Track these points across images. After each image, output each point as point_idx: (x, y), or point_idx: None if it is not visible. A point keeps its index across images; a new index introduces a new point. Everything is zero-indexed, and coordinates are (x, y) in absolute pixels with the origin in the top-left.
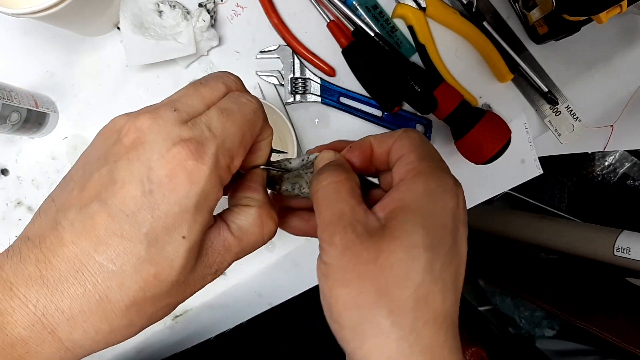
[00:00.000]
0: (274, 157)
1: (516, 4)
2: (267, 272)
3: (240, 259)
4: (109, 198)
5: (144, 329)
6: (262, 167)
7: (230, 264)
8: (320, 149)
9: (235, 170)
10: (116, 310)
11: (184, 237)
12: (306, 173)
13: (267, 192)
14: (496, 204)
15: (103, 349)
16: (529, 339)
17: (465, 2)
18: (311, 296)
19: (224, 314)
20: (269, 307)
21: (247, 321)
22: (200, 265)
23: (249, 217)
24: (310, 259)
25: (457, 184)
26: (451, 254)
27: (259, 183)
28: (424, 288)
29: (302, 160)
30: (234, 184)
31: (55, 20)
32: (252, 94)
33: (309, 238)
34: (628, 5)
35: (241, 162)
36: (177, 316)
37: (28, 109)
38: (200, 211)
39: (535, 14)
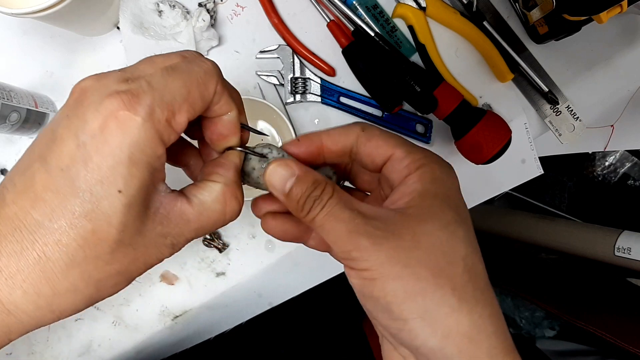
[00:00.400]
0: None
1: (516, 4)
2: (267, 272)
3: (199, 236)
4: (48, 155)
5: (93, 300)
6: (238, 149)
7: (188, 240)
8: (295, 145)
9: (180, 128)
10: (56, 270)
11: (120, 192)
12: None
13: (238, 173)
14: (496, 204)
15: (51, 319)
16: (529, 340)
17: (465, 2)
18: (311, 296)
19: (223, 314)
20: (269, 307)
21: (247, 321)
22: (151, 231)
23: (212, 192)
24: (310, 259)
25: (448, 163)
26: (472, 226)
27: (231, 162)
28: (470, 259)
29: (280, 154)
30: (206, 164)
31: (55, 20)
32: (252, 92)
33: None
34: (628, 5)
35: (186, 119)
36: (176, 316)
37: (27, 109)
38: (137, 165)
39: (535, 14)
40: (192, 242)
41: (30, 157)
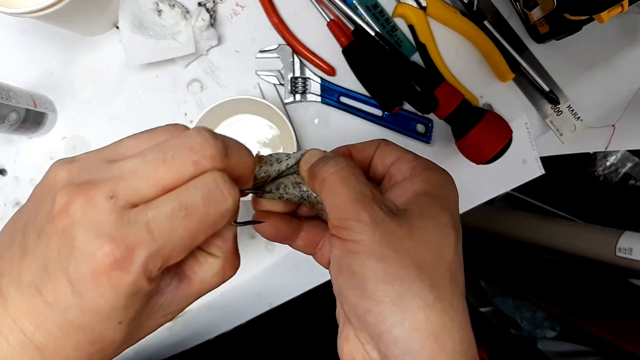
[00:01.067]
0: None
1: (517, 3)
2: (267, 272)
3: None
4: (42, 287)
5: None
6: (247, 191)
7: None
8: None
9: (174, 262)
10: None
11: (120, 323)
12: (291, 174)
13: (236, 240)
14: (497, 204)
15: None
16: (530, 340)
17: (466, 2)
18: (311, 297)
19: (223, 315)
20: (268, 308)
21: (247, 322)
22: (153, 320)
23: (213, 268)
24: (311, 259)
25: (451, 176)
26: (461, 237)
27: (229, 232)
28: (454, 266)
29: (287, 160)
30: None
31: (54, 19)
32: (252, 92)
33: None
34: (629, 5)
35: (182, 257)
36: (176, 317)
37: (26, 109)
38: (133, 304)
39: (536, 13)
40: None
41: (21, 269)
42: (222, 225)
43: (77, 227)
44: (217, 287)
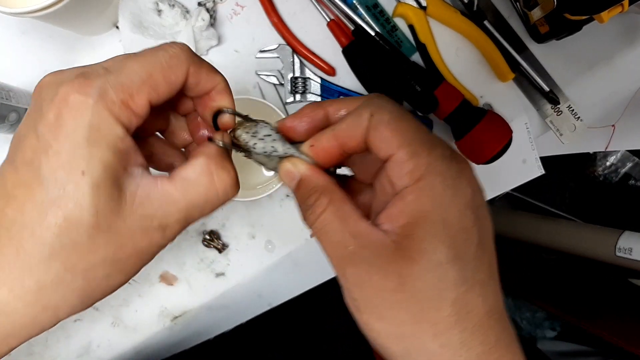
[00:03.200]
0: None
1: (517, 3)
2: (267, 272)
3: (193, 218)
4: (14, 155)
5: (87, 294)
6: (227, 110)
7: (181, 223)
8: (291, 126)
9: (141, 110)
10: (36, 262)
11: (83, 173)
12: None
13: (223, 151)
14: (497, 204)
15: (48, 320)
16: (530, 340)
17: (466, 1)
18: (311, 297)
19: (223, 315)
20: (268, 308)
21: (247, 322)
22: (132, 214)
23: (195, 167)
24: (310, 259)
25: (463, 163)
26: (480, 251)
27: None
28: (461, 300)
29: (272, 136)
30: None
31: (54, 19)
32: (252, 92)
33: (308, 238)
34: (629, 5)
35: (146, 101)
36: (176, 317)
37: (26, 109)
38: (95, 146)
39: (536, 13)
40: (191, 242)
41: (2, 163)
42: (181, 69)
43: (44, 86)
44: (211, 195)
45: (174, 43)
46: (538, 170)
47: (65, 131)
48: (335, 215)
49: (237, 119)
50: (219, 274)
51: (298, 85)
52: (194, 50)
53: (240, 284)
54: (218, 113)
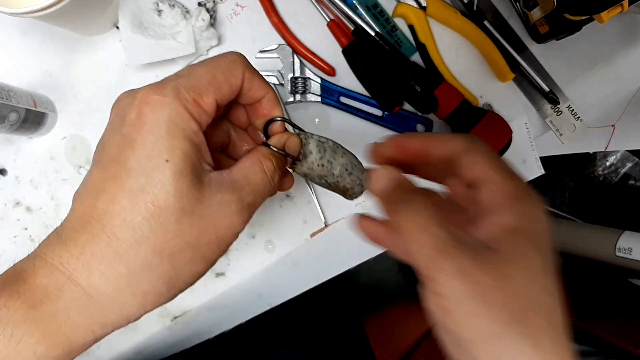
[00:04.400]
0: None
1: (517, 3)
2: (267, 272)
3: (259, 202)
4: (100, 157)
5: (173, 281)
6: (278, 118)
7: (252, 205)
8: (377, 157)
9: (210, 108)
10: (127, 247)
11: (167, 161)
12: (341, 155)
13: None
14: None
15: (136, 308)
16: None
17: (466, 1)
18: (311, 296)
19: (223, 314)
20: (268, 308)
21: (247, 321)
22: (211, 199)
23: (248, 158)
24: (310, 259)
25: (541, 200)
26: (555, 273)
27: (259, 136)
28: (551, 309)
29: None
30: None
31: (54, 19)
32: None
33: (308, 238)
34: (629, 5)
35: (213, 99)
36: (176, 317)
37: (27, 109)
38: (176, 137)
39: (536, 13)
40: None
41: (90, 168)
42: (239, 73)
43: (122, 98)
44: (265, 182)
45: (231, 52)
46: (538, 170)
47: (148, 126)
48: (433, 212)
49: (293, 129)
50: (219, 274)
51: (298, 86)
52: (193, 50)
53: (240, 283)
54: (269, 122)
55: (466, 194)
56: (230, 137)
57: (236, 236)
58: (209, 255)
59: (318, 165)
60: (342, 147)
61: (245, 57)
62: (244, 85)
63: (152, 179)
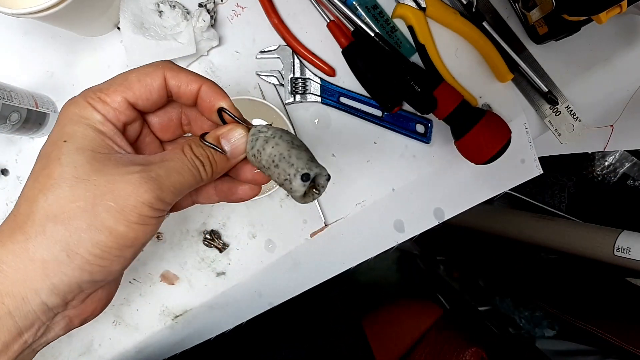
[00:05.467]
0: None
1: (516, 4)
2: (267, 272)
3: (175, 178)
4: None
5: (74, 247)
6: (224, 108)
7: (164, 177)
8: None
9: (118, 105)
10: (25, 219)
11: (65, 141)
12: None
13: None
14: (496, 204)
15: (34, 272)
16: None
17: (465, 2)
18: (311, 296)
19: (224, 314)
20: (269, 307)
21: (247, 321)
22: (111, 169)
23: (168, 145)
24: (310, 259)
25: None
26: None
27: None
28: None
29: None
30: None
31: (56, 20)
32: (252, 92)
33: (308, 238)
34: (628, 5)
35: (120, 97)
36: (177, 316)
37: (28, 109)
38: (77, 124)
39: (535, 14)
40: (192, 242)
41: None
42: (157, 76)
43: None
44: (186, 168)
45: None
46: (537, 170)
47: (58, 121)
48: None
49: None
50: (220, 273)
51: (298, 86)
52: (194, 51)
53: (241, 283)
54: (219, 114)
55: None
56: (188, 117)
57: (146, 208)
58: (112, 224)
59: (251, 156)
60: (285, 138)
61: (170, 62)
62: (170, 83)
63: (50, 157)
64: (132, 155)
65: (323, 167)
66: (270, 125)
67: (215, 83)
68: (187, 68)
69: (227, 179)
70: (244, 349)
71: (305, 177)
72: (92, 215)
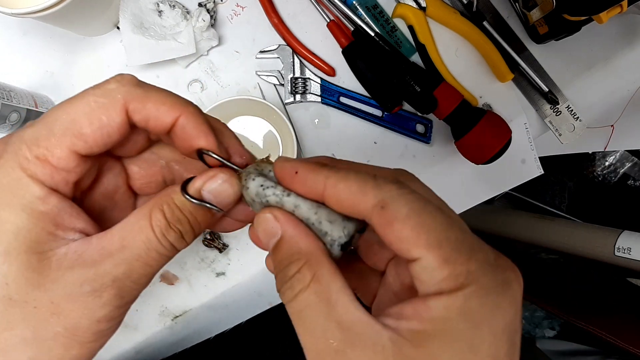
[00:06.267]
0: None
1: (516, 4)
2: (267, 271)
3: (138, 272)
4: None
5: None
6: (211, 154)
7: (119, 281)
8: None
9: (65, 165)
10: None
11: None
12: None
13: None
14: (497, 204)
15: None
16: (529, 340)
17: (465, 2)
18: None
19: (223, 314)
20: (268, 307)
21: (247, 321)
22: (57, 283)
23: (133, 214)
24: None
25: (510, 271)
26: None
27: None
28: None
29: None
30: None
31: (55, 20)
32: (252, 92)
33: None
34: (628, 5)
35: (69, 152)
36: (176, 316)
37: (27, 109)
38: (8, 208)
39: (535, 14)
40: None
41: None
42: (116, 109)
43: None
44: (152, 240)
45: (117, 76)
46: (537, 170)
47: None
48: (320, 298)
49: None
50: (220, 274)
51: (298, 86)
52: (194, 51)
53: (241, 283)
54: (200, 155)
55: (385, 257)
56: (173, 174)
57: (104, 323)
58: (61, 352)
59: (254, 205)
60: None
61: (133, 79)
62: (135, 118)
63: None
64: (79, 244)
65: (356, 220)
66: (268, 159)
67: (198, 110)
68: (186, 68)
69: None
70: (244, 349)
71: (345, 246)
72: (35, 346)
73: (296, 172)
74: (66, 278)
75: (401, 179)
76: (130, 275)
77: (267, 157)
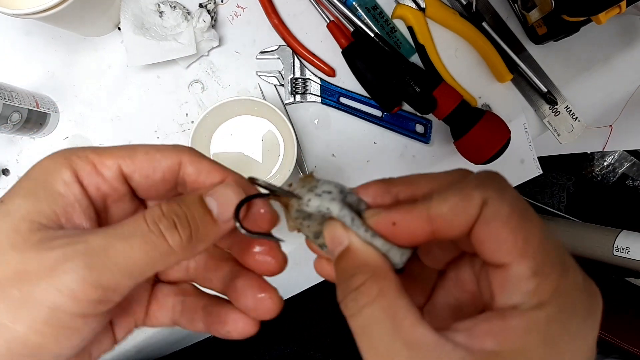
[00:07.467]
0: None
1: (515, 5)
2: None
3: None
4: None
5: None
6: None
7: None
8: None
9: (109, 173)
10: None
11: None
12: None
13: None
14: None
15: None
16: None
17: (464, 3)
18: (311, 295)
19: None
20: None
21: None
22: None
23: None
24: (311, 258)
25: (595, 297)
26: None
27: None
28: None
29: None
30: None
31: (57, 20)
32: (252, 92)
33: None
34: (627, 6)
35: (116, 165)
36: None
37: (29, 109)
38: (34, 195)
39: (534, 15)
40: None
41: None
42: (164, 153)
43: None
44: (150, 243)
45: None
46: (536, 170)
47: (27, 172)
48: (386, 314)
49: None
50: None
51: (298, 86)
52: (194, 51)
53: None
54: (242, 203)
55: (448, 257)
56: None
57: (69, 299)
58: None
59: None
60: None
61: (192, 149)
62: (187, 169)
63: None
64: (73, 230)
65: (407, 249)
66: (312, 175)
67: (241, 176)
68: (187, 69)
69: (218, 300)
70: (244, 348)
71: (401, 270)
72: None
73: (394, 223)
74: (43, 244)
75: (496, 181)
76: (107, 248)
77: (311, 174)
